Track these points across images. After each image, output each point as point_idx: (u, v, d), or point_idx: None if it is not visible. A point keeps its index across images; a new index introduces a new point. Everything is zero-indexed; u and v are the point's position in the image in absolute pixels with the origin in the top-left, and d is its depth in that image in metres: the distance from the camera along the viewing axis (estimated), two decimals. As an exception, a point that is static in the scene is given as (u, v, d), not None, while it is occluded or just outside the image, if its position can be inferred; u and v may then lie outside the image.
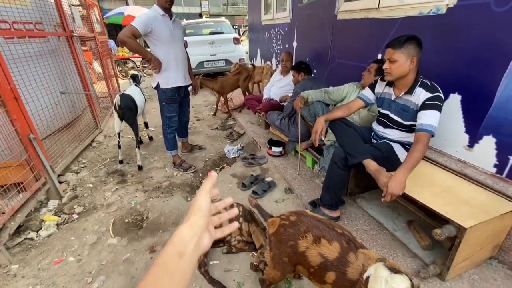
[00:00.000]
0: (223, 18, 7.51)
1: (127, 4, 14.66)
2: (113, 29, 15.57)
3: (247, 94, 4.26)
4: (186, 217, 0.43)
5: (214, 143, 3.48)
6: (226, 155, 3.14)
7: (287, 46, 3.93)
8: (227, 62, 6.47)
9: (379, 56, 2.28)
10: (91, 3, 4.62)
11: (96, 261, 1.75)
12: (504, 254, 1.50)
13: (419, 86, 1.52)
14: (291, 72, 3.38)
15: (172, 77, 2.51)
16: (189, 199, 2.38)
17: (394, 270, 0.79)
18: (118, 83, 6.03)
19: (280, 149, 2.76)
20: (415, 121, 1.55)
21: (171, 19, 2.37)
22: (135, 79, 3.15)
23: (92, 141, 3.41)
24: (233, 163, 2.95)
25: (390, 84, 1.69)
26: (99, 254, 1.80)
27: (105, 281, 1.61)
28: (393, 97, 1.66)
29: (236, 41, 6.51)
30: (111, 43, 8.29)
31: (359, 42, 2.49)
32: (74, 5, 3.89)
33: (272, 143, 2.83)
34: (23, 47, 2.31)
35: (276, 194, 2.31)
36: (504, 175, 1.47)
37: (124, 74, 8.56)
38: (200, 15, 16.68)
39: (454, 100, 1.67)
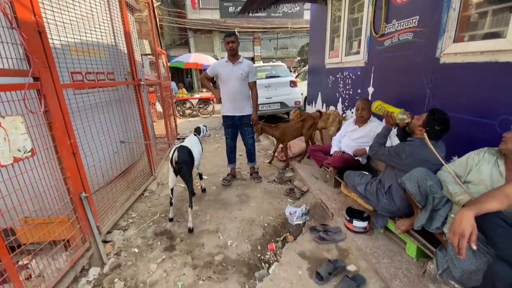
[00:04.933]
0: (280, 62, 7.52)
1: (189, 51, 16.33)
2: (176, 73, 17.33)
3: (310, 143, 3.78)
4: None
5: (273, 201, 2.98)
6: (289, 220, 2.59)
7: (359, 91, 3.46)
8: (283, 105, 6.24)
9: (523, 112, 1.63)
10: (160, 52, 4.93)
11: None
12: None
13: None
14: (368, 123, 2.86)
15: (224, 107, 3.23)
16: (246, 286, 1.84)
17: None
18: (175, 123, 6.20)
19: (364, 224, 2.11)
20: None
21: (233, 64, 3.04)
22: (197, 131, 2.98)
23: (145, 190, 3.22)
24: (298, 234, 2.37)
25: None
26: None
27: None
28: None
29: (293, 84, 6.31)
30: (173, 84, 8.91)
31: (482, 92, 1.88)
32: (145, 55, 4.11)
33: (352, 213, 2.21)
34: (90, 98, 2.26)
35: (369, 298, 1.64)
36: None
37: (181, 113, 9.00)
38: (253, 59, 17.62)
39: None
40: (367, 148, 2.59)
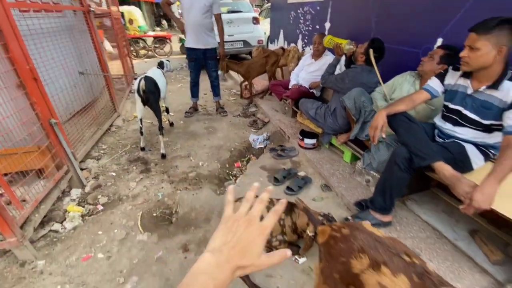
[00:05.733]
0: (241, -5, 7.05)
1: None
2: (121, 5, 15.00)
3: (272, 79, 3.99)
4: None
5: (238, 132, 3.28)
6: (252, 145, 2.95)
7: (317, 27, 3.61)
8: (245, 43, 6.14)
9: (439, 41, 2.00)
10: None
11: (127, 258, 1.63)
12: None
13: (509, 80, 1.28)
14: (323, 56, 3.12)
15: (188, 38, 3.19)
16: (218, 192, 2.22)
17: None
18: (132, 63, 5.80)
19: (313, 141, 2.55)
20: (497, 120, 1.33)
21: None
22: (161, 65, 2.97)
23: (111, 125, 3.25)
24: (260, 154, 2.77)
25: (466, 75, 1.44)
26: (129, 251, 1.68)
27: (138, 282, 1.49)
28: (469, 91, 1.42)
29: (256, 21, 6.13)
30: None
31: (412, 23, 2.20)
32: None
33: (304, 134, 2.62)
34: (40, 22, 2.10)
35: (313, 191, 2.14)
36: None
37: (135, 54, 8.27)
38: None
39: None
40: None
